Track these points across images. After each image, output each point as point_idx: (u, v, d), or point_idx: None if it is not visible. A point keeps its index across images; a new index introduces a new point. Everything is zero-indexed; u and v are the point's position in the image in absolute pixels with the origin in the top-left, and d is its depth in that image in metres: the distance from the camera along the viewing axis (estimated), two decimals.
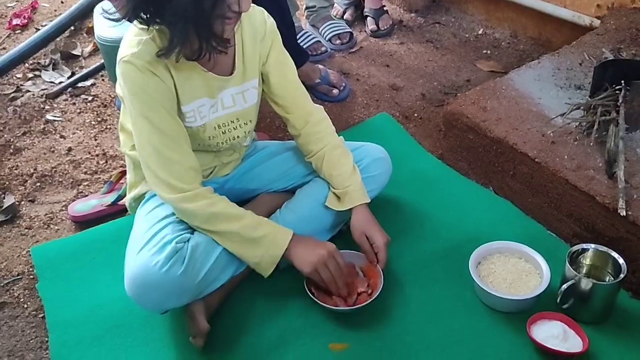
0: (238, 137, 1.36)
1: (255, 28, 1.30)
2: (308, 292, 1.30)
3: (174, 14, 1.03)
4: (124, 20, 1.10)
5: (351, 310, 1.29)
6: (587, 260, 1.30)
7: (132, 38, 1.15)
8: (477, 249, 1.37)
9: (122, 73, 1.16)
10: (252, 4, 1.22)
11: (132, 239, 1.29)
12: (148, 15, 1.07)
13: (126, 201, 1.48)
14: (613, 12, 1.95)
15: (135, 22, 1.10)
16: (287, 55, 1.39)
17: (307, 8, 2.38)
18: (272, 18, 1.34)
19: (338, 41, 2.34)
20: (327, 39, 2.34)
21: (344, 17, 2.49)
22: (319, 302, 1.28)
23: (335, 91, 2.06)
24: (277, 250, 1.26)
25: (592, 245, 1.28)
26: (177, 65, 1.17)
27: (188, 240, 1.26)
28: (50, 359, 1.29)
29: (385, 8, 2.47)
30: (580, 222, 1.40)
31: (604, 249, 1.27)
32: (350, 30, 2.38)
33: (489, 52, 2.30)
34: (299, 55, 1.98)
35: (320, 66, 2.12)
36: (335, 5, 2.49)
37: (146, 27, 1.10)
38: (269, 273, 1.28)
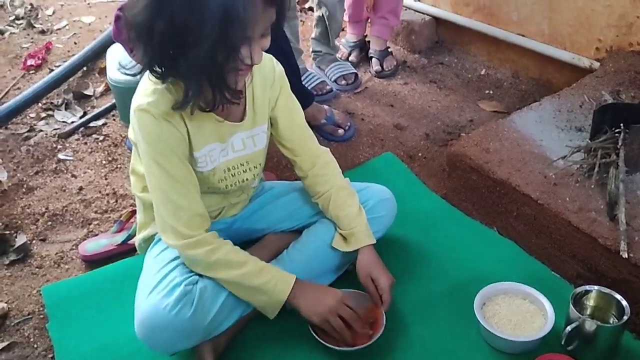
0: (247, 179, 1.40)
1: (265, 75, 1.34)
2: (312, 331, 1.31)
3: (189, 68, 1.06)
4: (140, 74, 1.14)
5: (354, 350, 1.30)
6: (590, 301, 1.31)
7: (147, 87, 1.19)
8: (482, 290, 1.38)
9: (137, 120, 1.19)
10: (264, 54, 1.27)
11: (141, 281, 1.31)
12: (163, 69, 1.11)
13: (136, 241, 1.50)
14: (612, 54, 2.00)
15: (150, 75, 1.14)
16: (295, 100, 1.43)
17: (313, 51, 2.45)
18: (280, 65, 1.39)
19: (343, 82, 2.40)
20: (332, 79, 2.40)
21: (349, 58, 2.55)
22: (321, 342, 1.29)
23: (340, 131, 2.11)
24: (280, 296, 1.27)
25: (596, 287, 1.30)
26: (190, 113, 1.21)
27: (197, 282, 1.28)
28: None
29: (389, 49, 2.53)
30: (584, 264, 1.42)
31: (607, 290, 1.29)
32: (355, 71, 2.44)
33: (491, 92, 2.35)
34: (305, 97, 2.03)
35: (326, 106, 2.17)
36: (341, 47, 2.56)
37: (161, 80, 1.14)
38: (274, 316, 1.30)
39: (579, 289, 1.29)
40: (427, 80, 2.46)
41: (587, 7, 2.03)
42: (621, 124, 1.50)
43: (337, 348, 1.30)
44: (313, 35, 2.41)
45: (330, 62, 2.43)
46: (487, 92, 2.35)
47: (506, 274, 1.47)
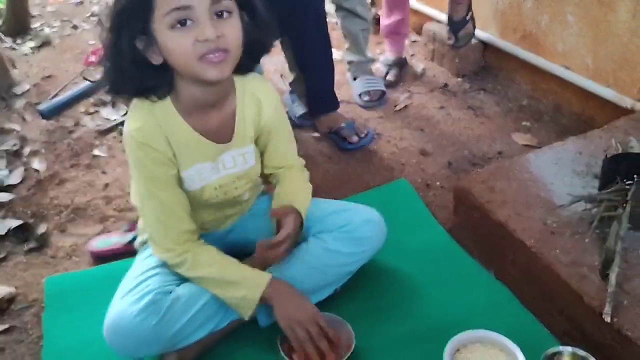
0: (239, 195, 1.42)
1: (258, 100, 1.35)
2: (281, 351, 1.32)
3: (116, 55, 1.15)
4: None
5: None
6: None
7: (132, 111, 1.25)
8: (458, 336, 1.32)
9: (125, 144, 1.26)
10: (261, 79, 1.33)
11: (123, 282, 1.37)
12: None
13: (136, 244, 1.57)
14: None
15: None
16: (285, 122, 1.44)
17: (348, 62, 2.41)
18: (277, 93, 1.41)
19: (367, 97, 2.35)
20: (357, 93, 2.37)
21: (387, 78, 2.51)
22: None
23: (355, 138, 2.09)
24: (255, 292, 1.29)
25: (569, 348, 1.22)
26: (175, 135, 1.25)
27: (171, 292, 1.32)
28: None
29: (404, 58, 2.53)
30: (571, 321, 1.34)
31: (584, 353, 1.20)
32: (383, 89, 2.38)
33: (529, 124, 2.25)
34: (331, 101, 2.04)
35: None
36: (378, 66, 2.53)
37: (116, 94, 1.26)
38: (249, 314, 1.32)
39: (552, 349, 1.22)
40: (464, 106, 2.39)
41: (632, 44, 1.89)
42: (635, 176, 1.40)
43: None
44: (346, 46, 2.37)
45: (364, 74, 2.38)
46: (524, 123, 2.25)
47: (493, 320, 1.40)
